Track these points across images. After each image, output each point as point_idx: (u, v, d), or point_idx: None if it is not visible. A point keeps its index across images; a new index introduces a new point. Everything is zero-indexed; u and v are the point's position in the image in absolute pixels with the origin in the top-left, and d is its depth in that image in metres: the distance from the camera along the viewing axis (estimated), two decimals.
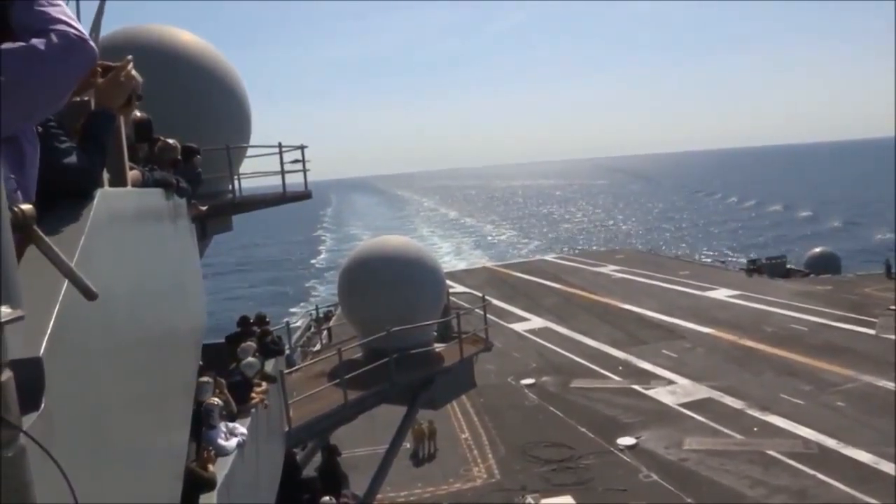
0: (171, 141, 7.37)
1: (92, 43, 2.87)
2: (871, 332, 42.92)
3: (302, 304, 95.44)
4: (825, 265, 64.66)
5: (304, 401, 15.20)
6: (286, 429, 14.43)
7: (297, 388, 16.15)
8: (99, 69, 3.92)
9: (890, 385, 33.67)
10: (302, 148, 16.91)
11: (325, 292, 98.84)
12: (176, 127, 9.00)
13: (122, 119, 4.65)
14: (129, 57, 4.04)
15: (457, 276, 70.08)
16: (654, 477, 26.63)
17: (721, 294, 57.08)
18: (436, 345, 19.78)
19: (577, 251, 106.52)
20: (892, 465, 25.82)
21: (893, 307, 47.32)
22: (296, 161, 16.88)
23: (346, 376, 15.58)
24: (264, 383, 12.19)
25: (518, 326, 50.82)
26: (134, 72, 4.04)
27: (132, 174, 5.13)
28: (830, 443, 28.23)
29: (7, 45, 2.51)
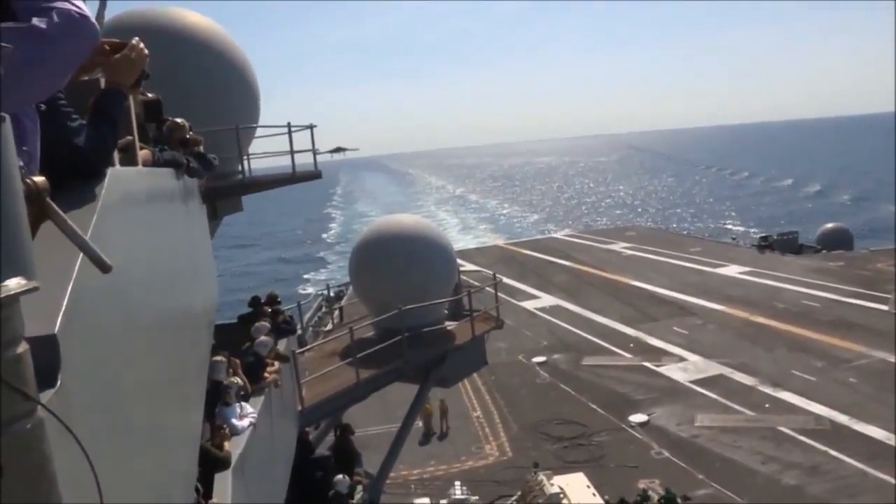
0: (179, 120, 7.36)
1: (94, 21, 2.86)
2: (884, 307, 42.70)
3: (313, 272, 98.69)
4: (838, 241, 64.25)
5: (316, 380, 15.26)
6: (299, 408, 14.49)
7: (309, 367, 16.22)
8: (108, 47, 3.90)
9: None
10: (311, 127, 16.85)
11: (336, 262, 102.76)
12: (185, 107, 8.99)
13: (131, 98, 4.64)
14: (136, 38, 4.02)
15: (468, 254, 70.15)
16: (666, 454, 26.72)
17: (732, 270, 56.92)
18: (447, 323, 19.76)
19: (584, 227, 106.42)
20: None
21: None
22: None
23: (359, 355, 15.60)
24: (277, 363, 12.24)
25: (529, 304, 50.88)
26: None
27: (143, 154, 5.12)
28: (842, 419, 28.23)
29: (8, 25, 2.49)
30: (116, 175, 3.49)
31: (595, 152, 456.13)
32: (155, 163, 5.52)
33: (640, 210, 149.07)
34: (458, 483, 25.01)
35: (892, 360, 33.91)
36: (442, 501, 23.39)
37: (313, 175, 17.35)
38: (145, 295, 3.81)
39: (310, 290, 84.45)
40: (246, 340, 12.41)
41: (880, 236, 75.61)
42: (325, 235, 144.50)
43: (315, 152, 17.26)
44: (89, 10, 2.85)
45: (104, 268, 2.03)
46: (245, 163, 15.65)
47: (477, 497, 23.86)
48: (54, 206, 2.00)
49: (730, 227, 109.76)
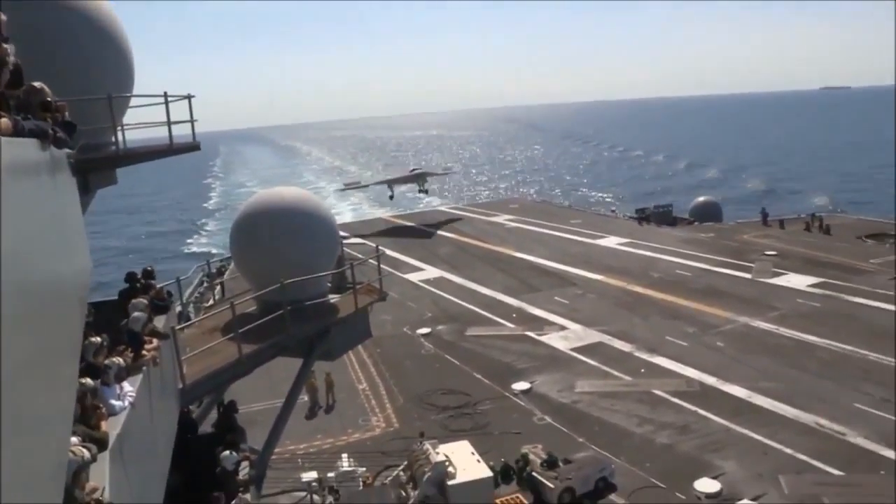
0: (36, 84, 6.98)
1: None
2: (748, 276, 45.33)
3: (195, 235, 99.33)
4: (709, 213, 67.72)
5: (197, 356, 14.91)
6: (180, 386, 14.15)
7: (190, 344, 15.82)
8: None
9: (764, 325, 35.83)
10: (189, 97, 16.30)
11: (215, 227, 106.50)
12: (51, 74, 8.54)
13: None
14: None
15: (352, 227, 69.88)
16: (548, 419, 27.58)
17: (611, 242, 58.96)
18: (330, 296, 19.66)
19: (467, 202, 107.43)
20: (764, 399, 27.71)
21: (770, 252, 50.17)
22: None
23: (240, 330, 15.34)
24: (155, 340, 11.90)
25: (413, 276, 51.24)
26: None
27: (3, 122, 4.86)
28: (710, 380, 29.90)
29: None
30: None
31: (480, 126, 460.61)
32: (18, 132, 5.24)
33: (520, 182, 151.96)
34: (345, 455, 25.03)
35: (755, 324, 36.20)
36: (329, 474, 23.35)
37: (191, 147, 16.77)
38: (8, 272, 3.65)
39: (195, 249, 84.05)
40: (126, 317, 12.01)
41: (747, 209, 79.85)
42: (206, 204, 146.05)
43: (192, 122, 16.71)
44: None
45: None
46: (119, 134, 15.00)
47: (364, 468, 23.95)
48: None
49: (605, 197, 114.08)
